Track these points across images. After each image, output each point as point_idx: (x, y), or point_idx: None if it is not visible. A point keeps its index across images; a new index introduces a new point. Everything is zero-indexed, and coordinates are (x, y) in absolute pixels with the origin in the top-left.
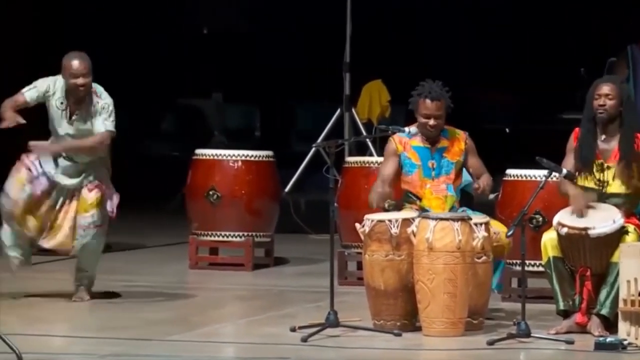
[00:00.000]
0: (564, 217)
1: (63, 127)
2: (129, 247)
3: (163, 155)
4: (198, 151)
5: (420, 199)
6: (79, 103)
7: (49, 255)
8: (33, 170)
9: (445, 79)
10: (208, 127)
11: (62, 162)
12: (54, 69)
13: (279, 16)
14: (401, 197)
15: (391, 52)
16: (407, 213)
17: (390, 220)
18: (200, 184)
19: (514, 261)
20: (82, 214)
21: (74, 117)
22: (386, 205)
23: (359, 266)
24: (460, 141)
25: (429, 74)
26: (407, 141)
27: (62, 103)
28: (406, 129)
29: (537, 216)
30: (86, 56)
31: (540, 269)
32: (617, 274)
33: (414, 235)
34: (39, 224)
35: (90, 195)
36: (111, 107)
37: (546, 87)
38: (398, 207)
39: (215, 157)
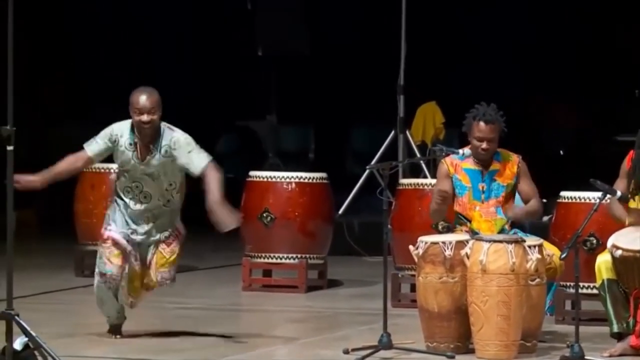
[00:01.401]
0: (619, 240)
1: (137, 168)
2: (182, 269)
3: None
4: (252, 173)
5: (470, 221)
6: (150, 141)
7: None
8: (122, 244)
9: (499, 101)
10: (263, 149)
11: (135, 215)
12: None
13: (334, 38)
14: (453, 219)
15: (446, 75)
16: (460, 235)
17: (444, 242)
18: (254, 206)
19: (568, 283)
20: (159, 269)
21: (148, 157)
22: (440, 227)
23: (413, 288)
24: (513, 165)
25: (480, 97)
26: (458, 163)
27: (130, 144)
28: (460, 150)
29: (591, 238)
30: (154, 91)
31: (594, 291)
32: None
33: (468, 258)
34: (138, 285)
35: (167, 250)
36: (193, 141)
37: (602, 108)
38: (451, 229)
39: (269, 179)
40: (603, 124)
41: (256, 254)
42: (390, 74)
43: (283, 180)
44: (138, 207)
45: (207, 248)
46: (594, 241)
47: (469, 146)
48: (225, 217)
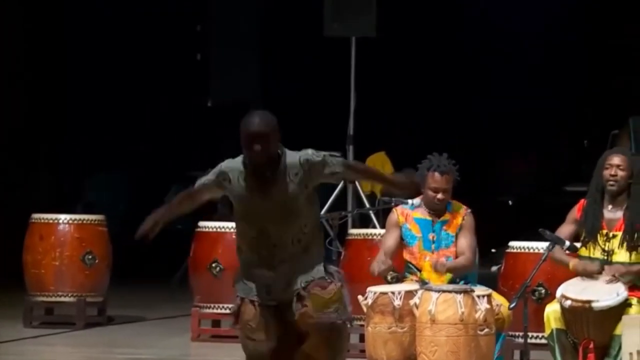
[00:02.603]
0: (568, 290)
1: (258, 206)
2: (131, 320)
3: (166, 228)
4: (201, 224)
5: (420, 271)
6: (267, 171)
7: (49, 328)
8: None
9: (450, 152)
10: (211, 200)
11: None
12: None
13: (285, 90)
14: (403, 268)
15: (394, 125)
16: (410, 285)
17: (393, 292)
18: (204, 256)
19: (517, 333)
20: (317, 313)
21: (271, 190)
22: (389, 277)
23: (362, 338)
24: (460, 216)
25: (432, 147)
26: (409, 213)
27: (245, 179)
28: (409, 201)
29: (539, 288)
30: (267, 115)
31: (543, 341)
32: (620, 347)
33: (417, 308)
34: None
35: (323, 291)
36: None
37: (550, 159)
38: (399, 279)
39: (218, 230)
40: (552, 174)
41: (205, 305)
42: (339, 125)
43: (232, 230)
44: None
45: (156, 298)
46: (543, 291)
47: (420, 196)
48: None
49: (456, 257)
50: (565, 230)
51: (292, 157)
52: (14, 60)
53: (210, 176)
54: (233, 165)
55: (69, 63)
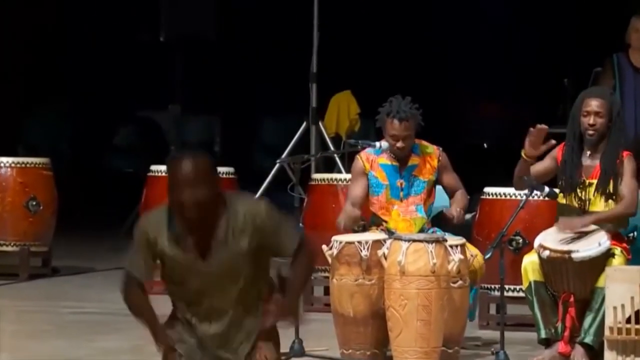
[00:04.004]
0: (546, 239)
1: (192, 269)
2: (78, 271)
3: (117, 171)
4: (154, 167)
5: (386, 221)
6: (202, 227)
7: None
8: None
9: (418, 91)
10: (165, 141)
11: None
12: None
13: (245, 25)
14: (369, 218)
15: (361, 62)
16: (378, 235)
17: (360, 242)
18: (156, 202)
19: (492, 286)
20: None
21: (208, 250)
22: (355, 227)
23: (326, 291)
24: (433, 158)
25: (401, 85)
26: (374, 159)
27: (174, 239)
28: (377, 143)
29: (517, 238)
30: (202, 156)
31: (521, 294)
32: (603, 300)
33: (385, 258)
34: None
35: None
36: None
37: (527, 99)
38: (366, 228)
39: None
40: (530, 115)
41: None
42: (302, 61)
43: None
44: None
45: (105, 247)
46: (520, 240)
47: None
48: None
49: (452, 197)
50: (541, 166)
51: (238, 207)
52: None
53: (138, 252)
54: (155, 221)
55: None
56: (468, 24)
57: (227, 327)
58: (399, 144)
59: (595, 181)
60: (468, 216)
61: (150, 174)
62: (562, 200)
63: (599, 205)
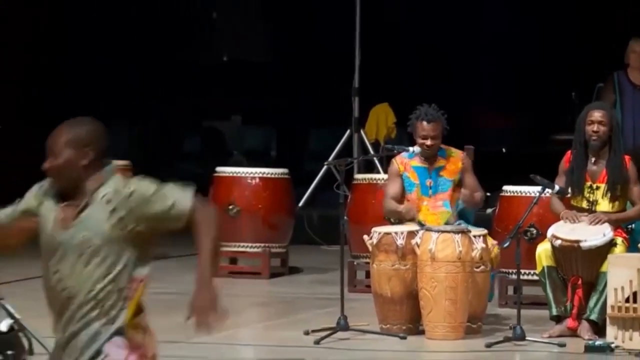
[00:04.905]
0: (558, 230)
1: (55, 240)
2: (155, 257)
3: (187, 173)
4: (219, 169)
5: (418, 215)
6: (71, 194)
7: None
8: None
9: (446, 104)
10: (227, 147)
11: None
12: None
13: (293, 46)
14: None
15: (397, 78)
16: (411, 226)
17: (396, 233)
18: (221, 199)
19: (510, 270)
20: None
21: (71, 221)
22: (392, 219)
23: (367, 275)
24: (458, 161)
25: (431, 98)
26: (407, 162)
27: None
28: (410, 148)
29: (531, 229)
30: (81, 122)
31: (535, 277)
32: (606, 283)
33: (418, 247)
34: None
35: None
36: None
37: (540, 110)
38: (401, 221)
39: (235, 175)
40: (542, 124)
41: (223, 244)
42: (345, 78)
43: (248, 175)
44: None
45: (178, 236)
46: (534, 231)
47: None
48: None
49: (472, 193)
50: (560, 180)
51: (110, 183)
52: None
53: (22, 200)
54: (48, 187)
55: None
56: (491, 44)
57: (73, 323)
58: (428, 142)
59: (602, 185)
60: (489, 211)
61: (216, 174)
62: (573, 202)
63: (606, 206)
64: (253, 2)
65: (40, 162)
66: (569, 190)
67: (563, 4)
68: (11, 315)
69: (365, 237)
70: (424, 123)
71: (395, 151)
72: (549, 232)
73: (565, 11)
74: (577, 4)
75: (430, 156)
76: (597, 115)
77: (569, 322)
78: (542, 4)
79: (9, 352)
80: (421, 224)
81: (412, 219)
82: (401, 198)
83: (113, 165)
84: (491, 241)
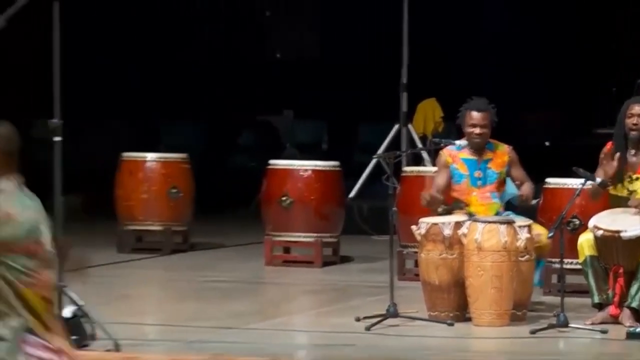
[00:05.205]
0: (600, 221)
1: None
2: (211, 247)
3: (241, 166)
4: (272, 161)
5: (467, 205)
6: None
7: (139, 253)
8: None
9: (494, 100)
10: (280, 141)
11: None
12: None
13: (344, 44)
14: (451, 204)
15: (445, 74)
16: (458, 217)
17: (443, 223)
18: (274, 191)
19: (554, 260)
20: None
21: None
22: (439, 209)
23: (416, 264)
24: (504, 154)
25: (477, 93)
26: (456, 154)
27: None
28: (457, 142)
29: (574, 220)
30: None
31: (578, 266)
32: None
33: (465, 237)
34: None
35: None
36: None
37: (582, 105)
38: (449, 212)
39: (287, 167)
40: (584, 119)
41: (276, 233)
42: (393, 73)
43: (300, 167)
44: None
45: (233, 227)
46: (577, 222)
47: (465, 137)
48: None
49: (521, 185)
50: (600, 172)
51: None
52: None
53: None
54: None
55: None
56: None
57: None
58: (477, 130)
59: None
60: (534, 202)
61: (269, 166)
62: (612, 191)
63: None
64: (304, 0)
65: None
66: (609, 181)
67: None
68: (74, 302)
69: (414, 227)
70: (474, 113)
71: (442, 144)
72: (591, 223)
73: None
74: None
75: (478, 147)
76: (637, 109)
77: (611, 310)
78: None
79: (73, 338)
80: (470, 215)
81: (439, 209)
82: (447, 189)
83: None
84: (537, 231)
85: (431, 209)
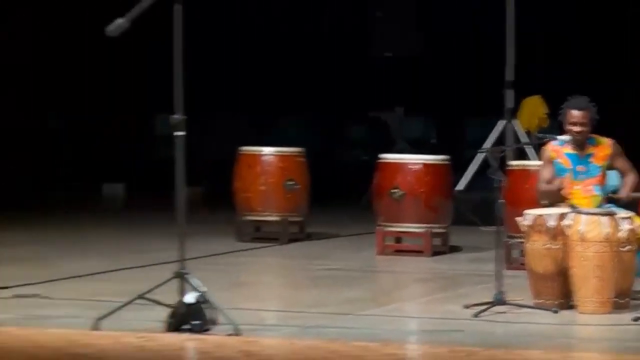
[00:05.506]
0: None
1: None
2: (326, 236)
3: (354, 159)
4: (383, 155)
5: (570, 198)
6: None
7: (258, 242)
8: None
9: (596, 96)
10: (391, 136)
11: None
12: None
13: (452, 42)
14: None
15: (549, 71)
16: (562, 209)
17: (548, 215)
18: (386, 183)
19: None
20: None
21: None
22: (544, 202)
23: (522, 253)
24: (606, 148)
25: (581, 91)
26: (559, 149)
27: None
28: (559, 137)
29: None
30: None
31: None
32: None
33: (568, 228)
34: None
35: None
36: None
37: None
38: (552, 205)
39: (398, 161)
40: None
41: (388, 224)
42: (499, 71)
43: (410, 161)
44: None
45: (348, 217)
46: None
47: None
48: None
49: (625, 177)
50: None
51: None
52: None
53: None
54: None
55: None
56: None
57: None
58: (577, 129)
59: None
60: (635, 194)
61: (381, 160)
62: None
63: None
64: (411, 1)
65: None
66: None
67: None
68: (196, 289)
69: (519, 218)
70: (574, 111)
71: (545, 139)
72: None
73: None
74: None
75: (580, 143)
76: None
77: None
78: None
79: (196, 322)
80: (573, 207)
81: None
82: (551, 182)
83: None
84: (637, 222)
85: (537, 202)
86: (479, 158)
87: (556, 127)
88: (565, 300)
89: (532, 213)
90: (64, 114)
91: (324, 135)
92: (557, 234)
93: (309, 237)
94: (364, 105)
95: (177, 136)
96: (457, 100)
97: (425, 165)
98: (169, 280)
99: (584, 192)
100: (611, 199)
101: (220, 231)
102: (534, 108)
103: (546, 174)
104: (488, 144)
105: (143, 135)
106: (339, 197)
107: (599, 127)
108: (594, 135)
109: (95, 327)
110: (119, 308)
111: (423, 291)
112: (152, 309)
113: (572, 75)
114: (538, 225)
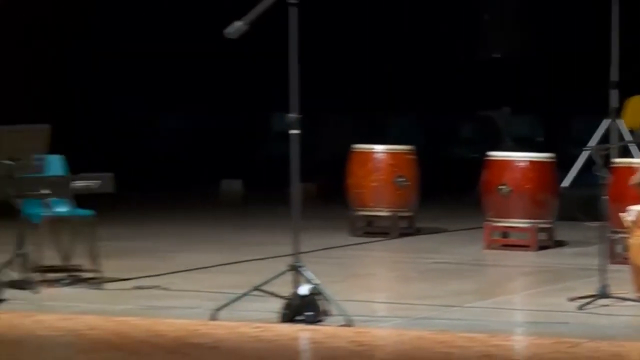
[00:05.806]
0: None
1: None
2: (435, 231)
3: (463, 157)
4: (491, 153)
5: None
6: None
7: (369, 237)
8: None
9: None
10: (499, 134)
11: None
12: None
13: (558, 41)
14: None
15: None
16: None
17: None
18: (494, 180)
19: None
20: None
21: None
22: None
23: (625, 248)
24: None
25: None
26: None
27: None
28: None
29: None
30: None
31: None
32: None
33: None
34: None
35: None
36: None
37: None
38: None
39: (505, 158)
40: None
41: (496, 219)
42: (604, 71)
43: (517, 158)
44: None
45: (456, 212)
46: None
47: None
48: None
49: None
50: None
51: None
52: None
53: None
54: None
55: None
56: None
57: None
58: None
59: None
60: None
61: (489, 157)
62: None
63: None
64: (518, 3)
65: None
66: None
67: None
68: (310, 281)
69: (623, 214)
70: None
71: None
72: None
73: None
74: None
75: None
76: None
77: None
78: None
79: (309, 313)
80: None
81: None
82: None
83: None
84: None
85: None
86: (584, 156)
87: None
88: None
89: (635, 209)
90: (184, 115)
91: (434, 134)
92: None
93: (418, 231)
94: (473, 104)
95: (292, 134)
96: (563, 100)
97: (531, 162)
98: (283, 272)
99: None
100: None
101: (333, 226)
102: (638, 107)
103: None
104: (593, 142)
105: (260, 133)
106: (448, 193)
107: None
108: None
109: (213, 317)
110: (236, 299)
111: (529, 284)
112: (267, 301)
113: None
114: None
